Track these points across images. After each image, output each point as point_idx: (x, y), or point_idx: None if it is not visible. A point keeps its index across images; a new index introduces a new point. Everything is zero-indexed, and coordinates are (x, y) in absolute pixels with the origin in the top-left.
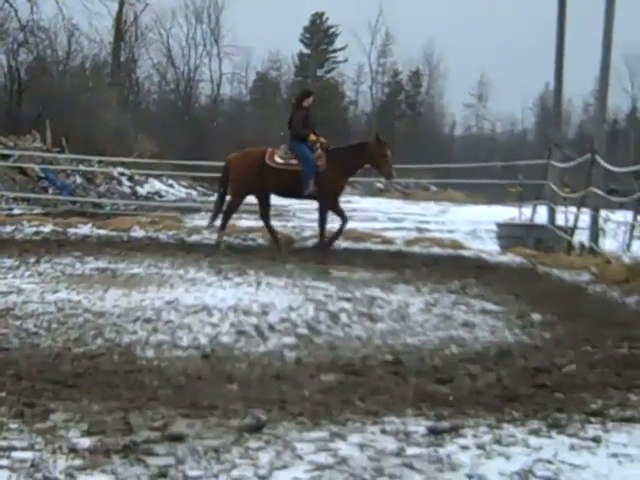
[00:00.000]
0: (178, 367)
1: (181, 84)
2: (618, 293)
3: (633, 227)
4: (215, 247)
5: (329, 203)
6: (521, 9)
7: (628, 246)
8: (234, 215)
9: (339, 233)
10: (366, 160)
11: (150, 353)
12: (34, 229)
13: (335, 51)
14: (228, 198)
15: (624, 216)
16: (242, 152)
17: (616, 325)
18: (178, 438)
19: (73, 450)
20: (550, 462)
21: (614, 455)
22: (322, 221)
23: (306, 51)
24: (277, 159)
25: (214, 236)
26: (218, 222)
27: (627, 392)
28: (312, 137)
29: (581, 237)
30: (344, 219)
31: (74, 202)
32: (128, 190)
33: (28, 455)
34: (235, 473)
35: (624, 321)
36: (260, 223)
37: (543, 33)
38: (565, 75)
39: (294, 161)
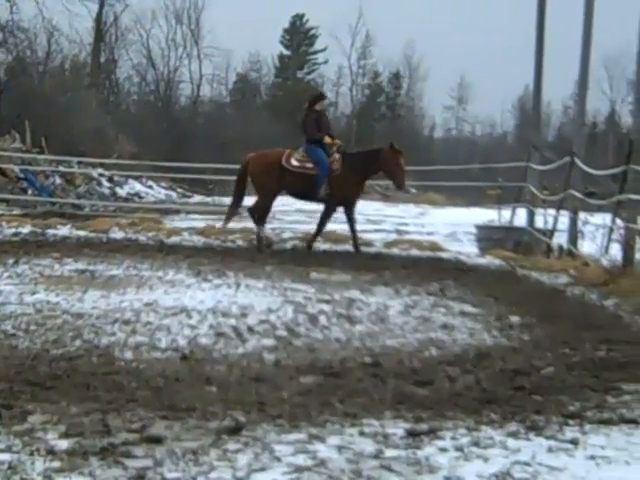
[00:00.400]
0: (156, 369)
1: (161, 85)
2: (596, 296)
3: (611, 230)
4: (259, 252)
5: (335, 207)
6: (501, 12)
7: (606, 249)
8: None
9: (355, 237)
10: (380, 167)
11: (129, 355)
12: (13, 230)
13: (315, 53)
14: (254, 200)
15: (603, 219)
16: (259, 153)
17: (594, 328)
18: (156, 440)
19: (51, 452)
20: (528, 464)
21: (592, 457)
22: (322, 223)
23: (286, 52)
24: (293, 162)
25: (194, 237)
26: (230, 224)
27: (605, 394)
28: (327, 140)
29: (560, 239)
30: (352, 221)
31: (53, 203)
32: (107, 191)
33: (6, 457)
34: (213, 475)
35: (602, 324)
36: (240, 225)
37: (523, 36)
38: (544, 78)
39: (310, 164)
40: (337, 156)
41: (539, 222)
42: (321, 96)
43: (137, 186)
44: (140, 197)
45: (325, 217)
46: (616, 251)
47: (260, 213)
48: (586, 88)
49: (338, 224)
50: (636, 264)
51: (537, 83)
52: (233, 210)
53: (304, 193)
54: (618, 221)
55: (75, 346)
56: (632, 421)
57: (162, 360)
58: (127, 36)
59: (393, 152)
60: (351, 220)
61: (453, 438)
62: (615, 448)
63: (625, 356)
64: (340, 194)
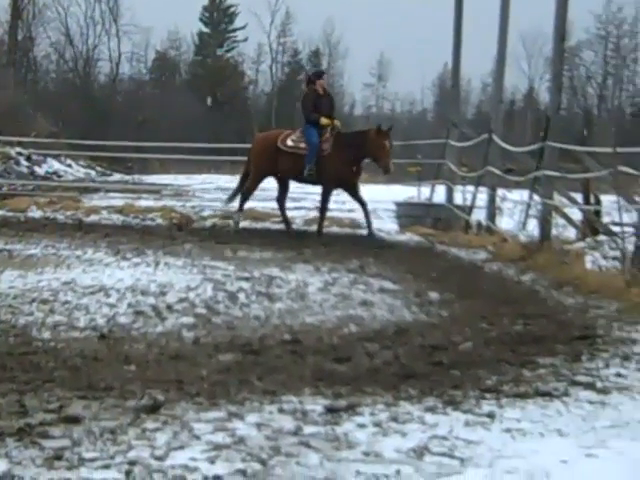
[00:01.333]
0: (75, 348)
1: (80, 63)
2: (514, 271)
3: (529, 206)
4: (233, 231)
5: (330, 188)
6: None
7: (524, 225)
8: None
9: (368, 220)
10: (366, 149)
11: (46, 334)
12: None
13: (235, 30)
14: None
15: (520, 195)
16: (263, 134)
17: (511, 302)
18: (74, 420)
19: None
20: (445, 438)
21: (508, 430)
22: (322, 207)
23: (205, 30)
24: (288, 142)
25: (113, 216)
26: (235, 203)
27: (521, 368)
28: (324, 121)
29: (478, 216)
30: (363, 205)
31: None
32: (26, 170)
33: None
34: (131, 454)
35: (519, 298)
36: (159, 203)
37: (441, 14)
38: (463, 55)
39: (303, 145)
40: (328, 135)
41: (458, 199)
42: (318, 73)
43: (56, 165)
44: (59, 176)
45: (323, 200)
46: (533, 227)
47: (244, 196)
48: (504, 65)
49: (258, 201)
50: (553, 239)
51: (456, 61)
52: (237, 189)
53: (294, 174)
54: (535, 197)
55: None
56: (547, 394)
57: (80, 339)
58: (45, 13)
59: (378, 134)
60: (361, 204)
61: (372, 414)
62: (530, 421)
63: (541, 330)
64: (330, 175)
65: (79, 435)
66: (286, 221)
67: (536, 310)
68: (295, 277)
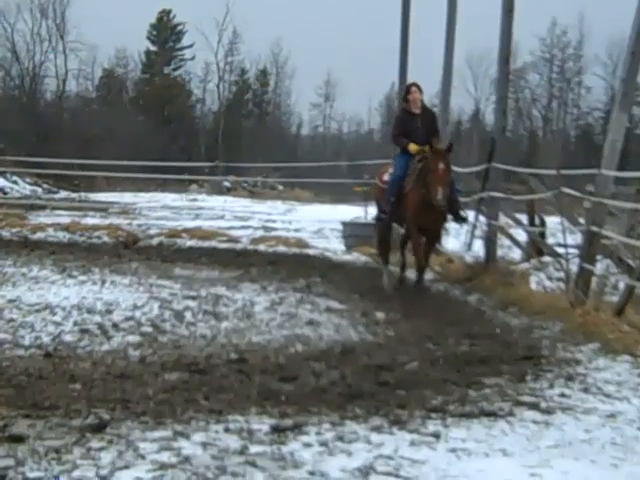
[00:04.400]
0: (19, 366)
1: (26, 80)
2: (460, 291)
3: (475, 227)
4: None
5: (412, 234)
6: (366, 10)
7: (469, 245)
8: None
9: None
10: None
11: None
12: None
13: (182, 49)
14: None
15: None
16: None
17: (457, 323)
18: (18, 439)
19: None
20: (391, 458)
21: (453, 450)
22: (419, 256)
23: (153, 48)
24: (384, 177)
25: (59, 233)
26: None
27: (467, 388)
28: (413, 147)
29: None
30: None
31: None
32: None
33: None
34: (76, 474)
35: (465, 319)
36: (106, 221)
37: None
38: (409, 76)
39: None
40: (415, 167)
41: None
42: (407, 86)
43: (1, 181)
44: (4, 193)
45: (415, 251)
46: (479, 248)
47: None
48: (449, 86)
49: (203, 220)
50: (498, 260)
51: (402, 81)
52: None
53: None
54: (481, 218)
55: None
56: (492, 414)
57: (25, 358)
58: None
59: (432, 154)
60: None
61: (318, 433)
62: (475, 440)
63: (486, 350)
64: (409, 215)
65: (23, 454)
66: (402, 265)
67: (482, 330)
68: (242, 296)
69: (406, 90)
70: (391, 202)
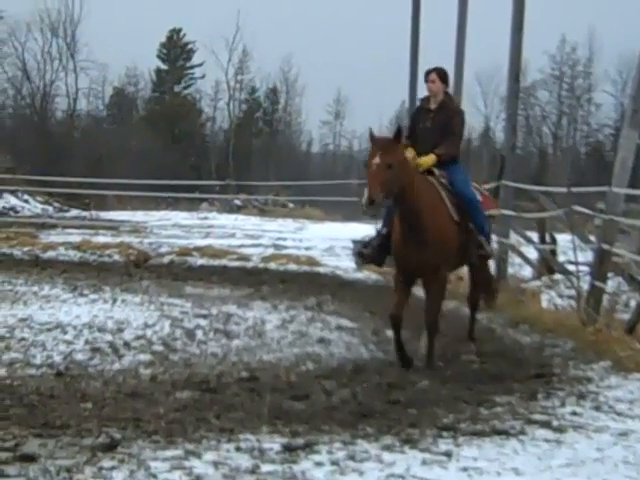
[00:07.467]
0: (31, 386)
1: (37, 98)
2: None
3: None
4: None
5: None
6: (376, 27)
7: None
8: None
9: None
10: None
11: (2, 371)
12: None
13: (192, 67)
14: None
15: None
16: None
17: (469, 340)
18: (30, 458)
19: None
20: (402, 477)
21: (464, 469)
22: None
23: (163, 67)
24: None
25: (70, 252)
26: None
27: (478, 406)
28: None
29: None
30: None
31: None
32: None
33: None
34: None
35: (476, 337)
36: (117, 239)
37: (399, 52)
38: (419, 94)
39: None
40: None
41: None
42: (428, 73)
43: (12, 200)
44: (16, 211)
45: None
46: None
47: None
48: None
49: (214, 239)
50: (509, 278)
51: (412, 99)
52: None
53: None
54: (492, 236)
55: None
56: (504, 432)
57: (37, 377)
58: (2, 48)
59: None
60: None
61: (329, 452)
62: (487, 459)
63: (498, 368)
64: None
65: (35, 474)
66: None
67: (493, 348)
68: (253, 314)
69: (424, 77)
70: (380, 235)
